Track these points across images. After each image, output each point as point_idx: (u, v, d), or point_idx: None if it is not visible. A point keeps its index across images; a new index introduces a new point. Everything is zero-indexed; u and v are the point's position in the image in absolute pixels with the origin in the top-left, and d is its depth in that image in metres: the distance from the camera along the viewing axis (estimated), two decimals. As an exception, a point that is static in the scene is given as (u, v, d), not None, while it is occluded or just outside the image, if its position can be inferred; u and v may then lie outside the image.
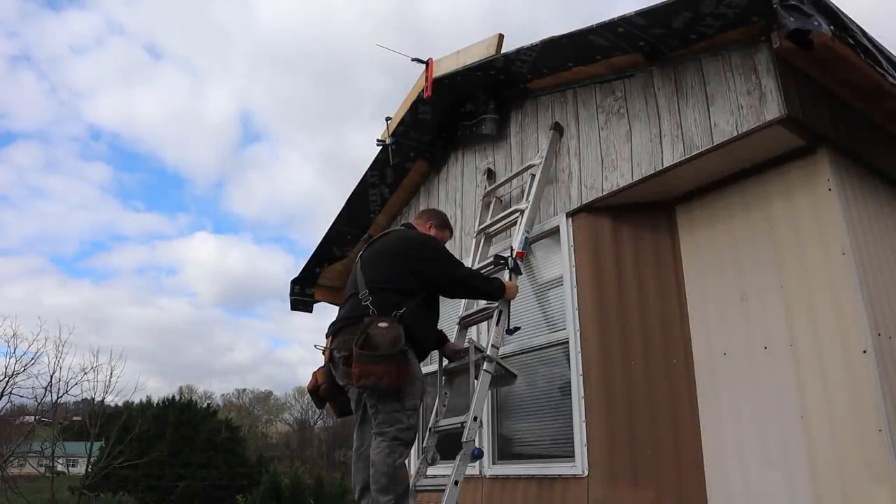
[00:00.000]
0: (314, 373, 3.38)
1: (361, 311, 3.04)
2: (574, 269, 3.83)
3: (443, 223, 3.74)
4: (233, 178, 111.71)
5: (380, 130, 5.27)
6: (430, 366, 4.11)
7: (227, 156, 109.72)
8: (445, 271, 3.27)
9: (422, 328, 3.14)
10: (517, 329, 3.65)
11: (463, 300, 4.07)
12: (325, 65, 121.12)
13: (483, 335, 4.18)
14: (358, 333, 2.90)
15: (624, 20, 3.30)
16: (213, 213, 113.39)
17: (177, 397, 27.56)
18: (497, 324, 3.48)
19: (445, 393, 3.69)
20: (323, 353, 3.30)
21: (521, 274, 3.72)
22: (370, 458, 2.96)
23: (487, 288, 3.44)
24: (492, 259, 3.80)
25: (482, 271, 3.98)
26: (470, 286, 3.42)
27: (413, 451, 5.22)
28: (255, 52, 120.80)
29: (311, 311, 6.60)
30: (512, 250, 3.72)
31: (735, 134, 3.12)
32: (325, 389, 3.31)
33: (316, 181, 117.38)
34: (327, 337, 3.26)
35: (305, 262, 6.38)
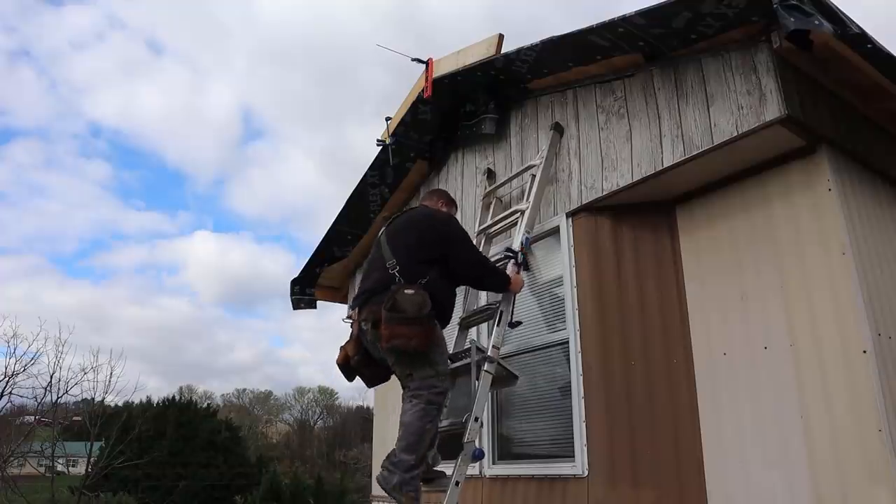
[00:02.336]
0: (342, 347, 3.42)
1: (388, 279, 3.16)
2: (574, 269, 3.83)
3: (450, 200, 3.93)
4: (234, 175, 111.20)
5: (382, 127, 5.27)
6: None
7: (228, 153, 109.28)
8: (461, 253, 3.37)
9: (444, 295, 3.27)
10: (519, 323, 3.67)
11: (460, 302, 4.04)
12: (327, 61, 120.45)
13: (483, 336, 4.18)
14: (386, 299, 3.01)
15: (624, 20, 3.30)
16: (213, 212, 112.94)
17: (177, 397, 27.54)
18: (498, 324, 3.48)
19: (446, 393, 3.69)
20: (352, 326, 3.37)
21: (528, 270, 3.77)
22: (401, 420, 3.07)
23: (496, 278, 3.53)
24: (499, 255, 3.85)
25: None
26: (480, 273, 3.49)
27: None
28: (257, 47, 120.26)
29: (314, 308, 6.61)
30: (522, 244, 3.78)
31: (735, 134, 3.12)
32: (357, 361, 3.35)
33: (317, 178, 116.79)
34: (353, 309, 3.36)
35: (306, 261, 6.39)
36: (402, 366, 3.14)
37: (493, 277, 3.52)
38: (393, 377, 3.43)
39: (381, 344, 3.05)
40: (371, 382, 3.50)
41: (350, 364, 3.38)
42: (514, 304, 3.61)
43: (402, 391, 3.30)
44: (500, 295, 3.60)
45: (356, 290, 3.46)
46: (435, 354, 3.11)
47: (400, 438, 3.02)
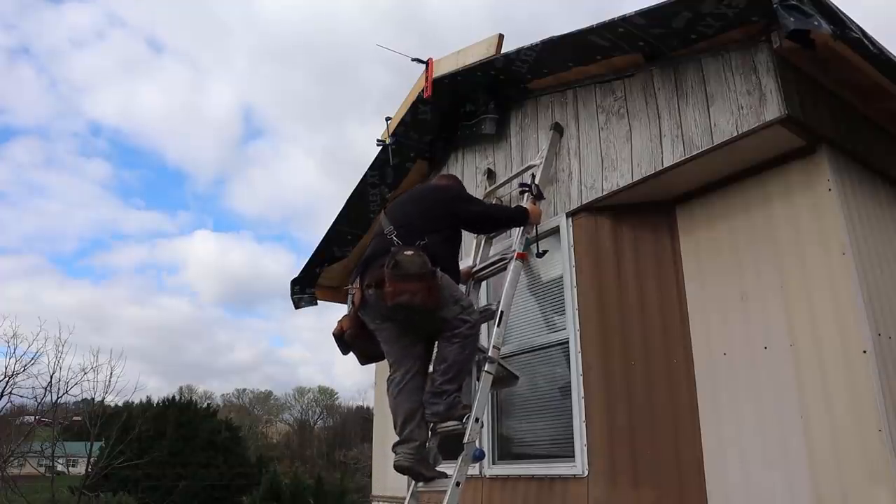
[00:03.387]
0: (339, 320, 3.49)
1: (387, 244, 3.24)
2: (574, 269, 3.83)
3: (458, 181, 4.11)
4: (234, 174, 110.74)
5: (382, 126, 5.27)
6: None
7: (229, 152, 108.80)
8: (469, 207, 3.61)
9: (443, 258, 3.31)
10: (546, 252, 3.87)
11: (474, 254, 4.25)
12: (328, 60, 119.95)
13: (483, 335, 4.18)
14: (387, 261, 3.07)
15: (624, 20, 3.30)
16: (213, 211, 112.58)
17: (177, 397, 27.52)
18: (498, 325, 3.48)
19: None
20: (352, 297, 3.39)
21: (543, 199, 3.91)
22: (441, 356, 3.21)
23: (510, 213, 3.71)
24: (497, 256, 3.90)
25: (485, 271, 4.00)
26: (493, 217, 3.75)
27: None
28: (257, 46, 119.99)
29: (315, 304, 6.60)
30: (534, 177, 3.93)
31: (735, 134, 3.12)
32: (350, 335, 3.42)
33: (318, 177, 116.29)
34: (353, 281, 3.42)
35: (306, 261, 6.38)
36: (420, 316, 3.16)
37: (510, 216, 3.72)
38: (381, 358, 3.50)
39: (386, 302, 3.08)
40: (363, 358, 3.57)
41: (344, 337, 3.44)
42: (537, 233, 3.80)
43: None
44: (502, 294, 3.60)
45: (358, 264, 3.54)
46: (449, 299, 3.19)
47: (442, 372, 3.16)
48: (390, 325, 3.28)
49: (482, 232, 4.10)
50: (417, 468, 3.20)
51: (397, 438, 3.28)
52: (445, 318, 3.19)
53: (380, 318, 3.28)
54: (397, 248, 3.15)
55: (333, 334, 3.51)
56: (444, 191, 3.69)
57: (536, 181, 3.96)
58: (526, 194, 3.90)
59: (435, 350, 3.36)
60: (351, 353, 3.55)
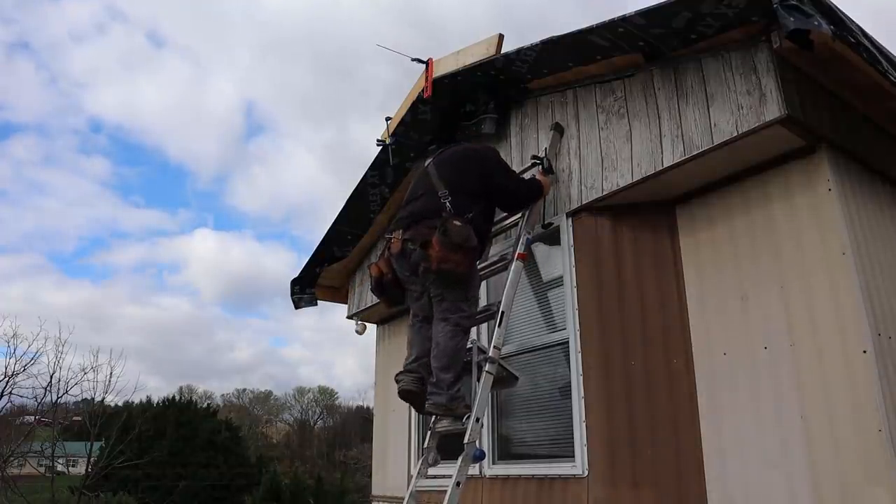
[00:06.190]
0: (376, 264, 3.61)
1: (439, 207, 3.37)
2: (574, 269, 3.83)
3: (495, 150, 4.13)
4: (235, 172, 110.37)
5: (385, 123, 5.26)
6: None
7: (230, 149, 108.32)
8: (508, 183, 3.68)
9: (482, 233, 3.51)
10: (551, 224, 3.97)
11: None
12: (331, 55, 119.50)
13: (483, 335, 4.18)
14: (438, 225, 3.21)
15: (624, 20, 3.30)
16: (214, 209, 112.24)
17: (177, 397, 27.51)
18: (499, 325, 3.48)
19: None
20: (391, 244, 3.50)
21: (553, 174, 3.99)
22: (434, 340, 3.34)
23: (532, 190, 3.81)
24: (504, 251, 3.94)
25: (486, 271, 4.01)
26: (523, 195, 3.80)
27: (413, 452, 5.24)
28: (260, 41, 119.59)
29: (315, 304, 6.61)
30: (546, 151, 4.02)
31: (735, 134, 3.12)
32: (388, 279, 3.55)
33: (320, 174, 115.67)
34: (395, 230, 3.52)
35: (306, 261, 6.38)
36: (438, 286, 3.34)
37: (530, 195, 3.81)
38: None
39: (429, 265, 3.22)
40: (391, 303, 3.80)
41: (383, 280, 3.56)
42: (544, 206, 3.91)
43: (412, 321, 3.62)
44: (503, 295, 3.60)
45: (401, 213, 3.63)
46: (470, 282, 3.38)
47: (435, 357, 3.29)
48: (417, 280, 3.44)
49: (505, 209, 4.00)
50: (416, 391, 3.40)
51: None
52: (445, 298, 3.32)
53: (410, 270, 3.42)
54: (449, 215, 3.27)
55: (372, 275, 3.64)
56: (483, 156, 3.71)
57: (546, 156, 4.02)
58: (537, 166, 3.98)
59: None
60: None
